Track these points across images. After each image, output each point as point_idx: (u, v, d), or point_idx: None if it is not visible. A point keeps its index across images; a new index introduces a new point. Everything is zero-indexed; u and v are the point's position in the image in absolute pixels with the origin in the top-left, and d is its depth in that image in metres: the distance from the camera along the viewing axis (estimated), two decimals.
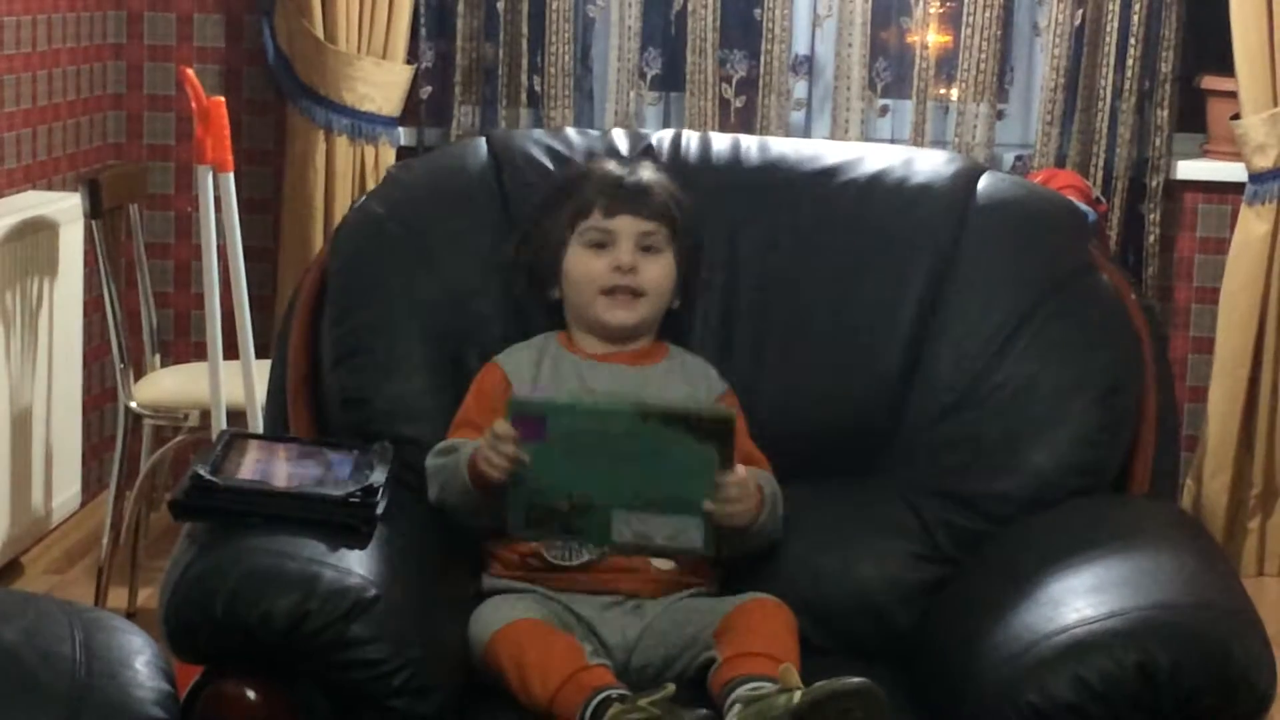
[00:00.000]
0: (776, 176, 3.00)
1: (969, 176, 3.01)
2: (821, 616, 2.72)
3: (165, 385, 4.39)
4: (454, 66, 5.01)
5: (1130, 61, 4.90)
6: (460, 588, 2.68)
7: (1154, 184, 4.97)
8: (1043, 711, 2.32)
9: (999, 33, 4.94)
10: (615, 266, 2.76)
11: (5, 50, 4.52)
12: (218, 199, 4.06)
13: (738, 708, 2.43)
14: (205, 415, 4.19)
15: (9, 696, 2.10)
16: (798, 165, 3.02)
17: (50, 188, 4.77)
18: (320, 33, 4.92)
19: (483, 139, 3.08)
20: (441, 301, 2.88)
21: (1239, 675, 2.33)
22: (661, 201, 2.81)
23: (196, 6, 5.13)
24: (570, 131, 3.08)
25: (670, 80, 5.08)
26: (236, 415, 4.09)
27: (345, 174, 4.97)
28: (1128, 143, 4.93)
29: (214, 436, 2.78)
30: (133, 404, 4.28)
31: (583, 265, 2.79)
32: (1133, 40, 4.89)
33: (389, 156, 5.01)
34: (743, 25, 5.04)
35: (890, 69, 5.04)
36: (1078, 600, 2.44)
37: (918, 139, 4.95)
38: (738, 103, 5.05)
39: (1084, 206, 4.24)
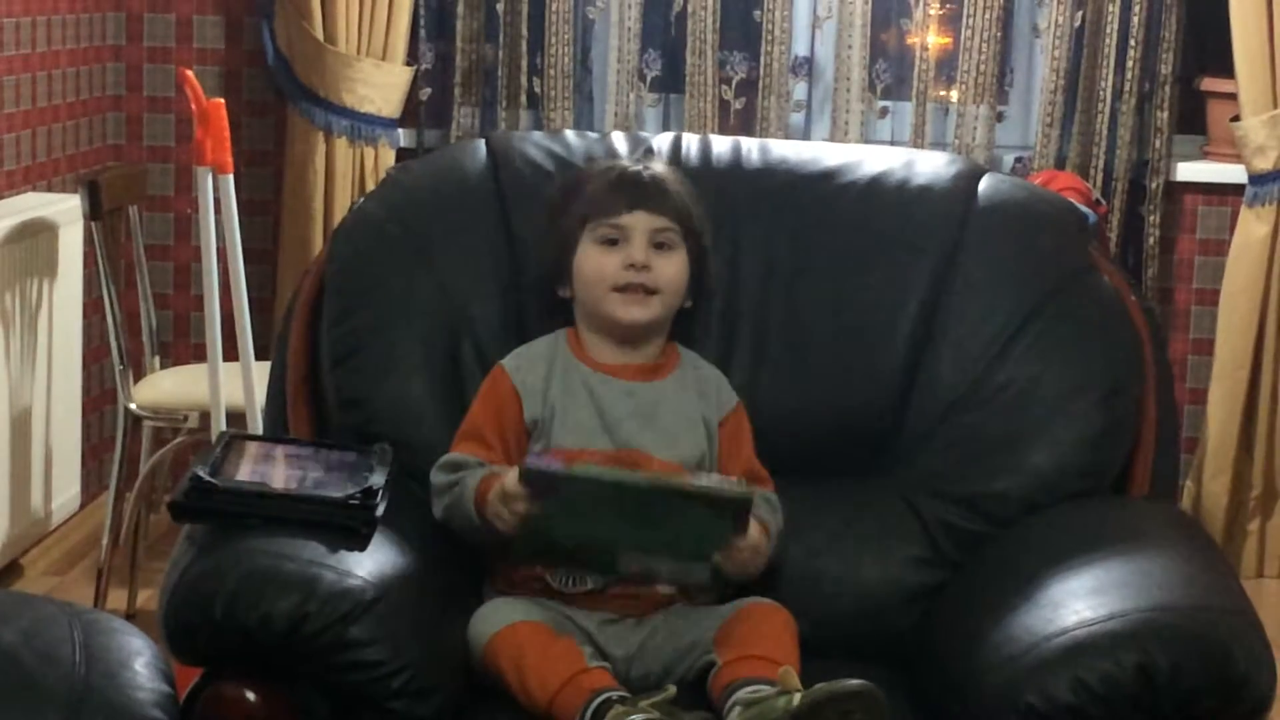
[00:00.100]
0: (777, 179, 3.00)
1: (970, 178, 3.01)
2: (822, 618, 2.72)
3: (165, 387, 4.39)
4: (454, 68, 5.01)
5: (1130, 63, 4.90)
6: (460, 589, 2.68)
7: (1154, 186, 4.97)
8: (1042, 713, 2.32)
9: (999, 34, 4.95)
10: (629, 264, 2.71)
11: (5, 51, 4.52)
12: (217, 200, 4.06)
13: (737, 710, 2.43)
14: (205, 417, 4.19)
15: (8, 697, 2.10)
16: (798, 167, 3.02)
17: (50, 189, 4.77)
18: (320, 34, 4.92)
19: (481, 141, 3.08)
20: (440, 303, 2.88)
21: (1239, 677, 2.32)
22: (675, 197, 2.77)
23: (196, 8, 5.13)
24: (569, 134, 3.08)
25: (670, 82, 5.08)
26: (236, 417, 4.09)
27: (345, 175, 4.97)
28: (1128, 144, 4.93)
29: (213, 438, 2.78)
30: (132, 405, 4.28)
31: (595, 262, 2.73)
32: (1132, 42, 4.89)
33: (389, 158, 5.01)
34: (742, 27, 5.04)
35: (890, 71, 5.04)
36: (1078, 602, 2.44)
37: (917, 141, 4.95)
38: (737, 104, 5.06)
39: (1084, 208, 4.24)
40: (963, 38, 4.95)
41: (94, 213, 4.21)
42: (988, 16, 4.92)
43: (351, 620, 2.37)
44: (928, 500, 2.82)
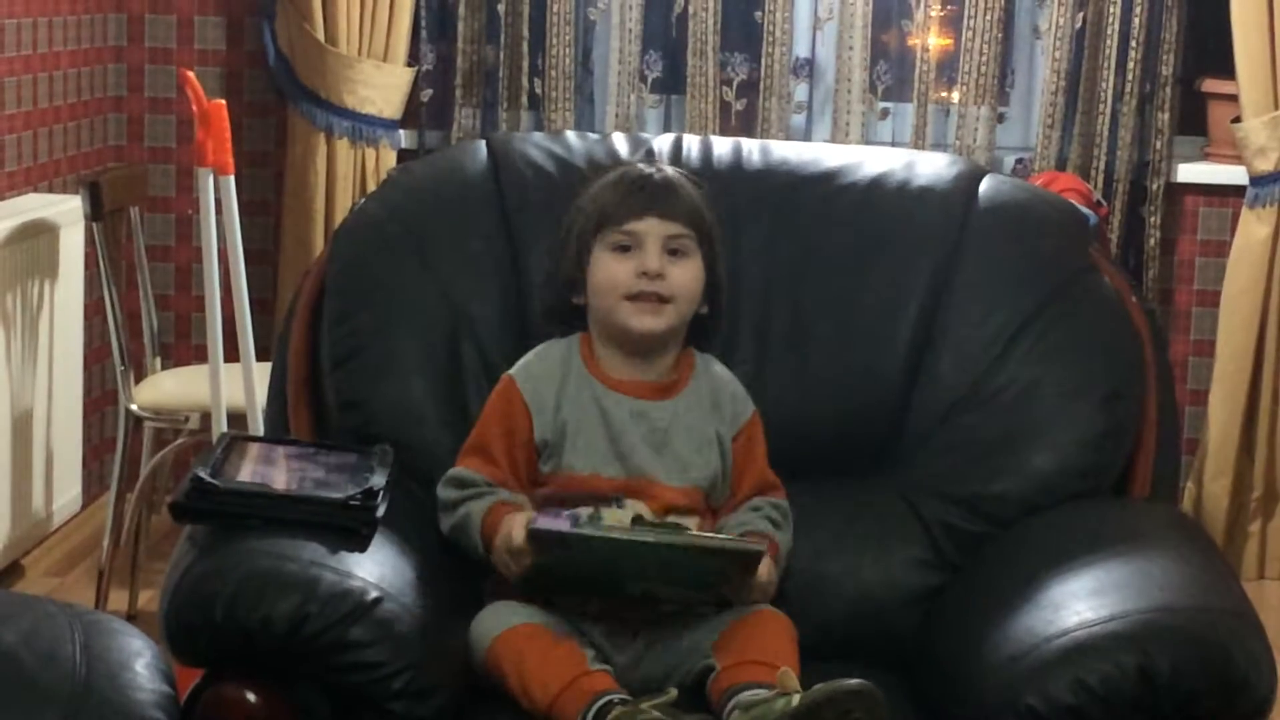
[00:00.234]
0: (778, 180, 3.00)
1: (971, 179, 3.01)
2: (822, 619, 2.72)
3: (166, 388, 4.39)
4: (454, 69, 5.01)
5: (1131, 64, 4.90)
6: (461, 590, 2.68)
7: (1155, 187, 4.97)
8: (1043, 714, 2.32)
9: (1000, 36, 4.95)
10: (641, 271, 2.66)
11: (6, 53, 4.52)
12: (218, 201, 4.06)
13: (737, 713, 2.43)
14: (206, 418, 4.19)
15: (9, 698, 2.11)
16: (799, 169, 3.02)
17: (51, 190, 4.78)
18: (321, 35, 4.92)
19: (482, 142, 3.08)
20: (440, 304, 2.88)
21: (1239, 678, 2.32)
22: (688, 201, 2.71)
23: (197, 9, 5.13)
24: (570, 135, 3.08)
25: (671, 83, 5.08)
26: (237, 418, 4.09)
27: (346, 177, 4.97)
28: (1128, 146, 4.93)
29: (214, 439, 2.78)
30: (133, 406, 4.28)
31: (607, 270, 2.68)
32: (1133, 43, 4.89)
33: (389, 159, 5.01)
34: (743, 28, 5.04)
35: (891, 72, 5.05)
36: (1078, 603, 2.44)
37: (918, 142, 4.95)
38: (738, 106, 5.06)
39: (1085, 209, 4.24)
40: (964, 39, 4.95)
41: (95, 214, 4.21)
42: (989, 18, 4.92)
43: (352, 621, 2.37)
44: (928, 501, 2.82)
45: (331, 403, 2.87)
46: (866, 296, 2.91)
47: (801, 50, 5.06)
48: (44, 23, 4.71)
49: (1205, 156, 5.11)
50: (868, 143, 4.98)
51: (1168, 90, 4.94)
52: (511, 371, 2.74)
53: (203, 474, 2.51)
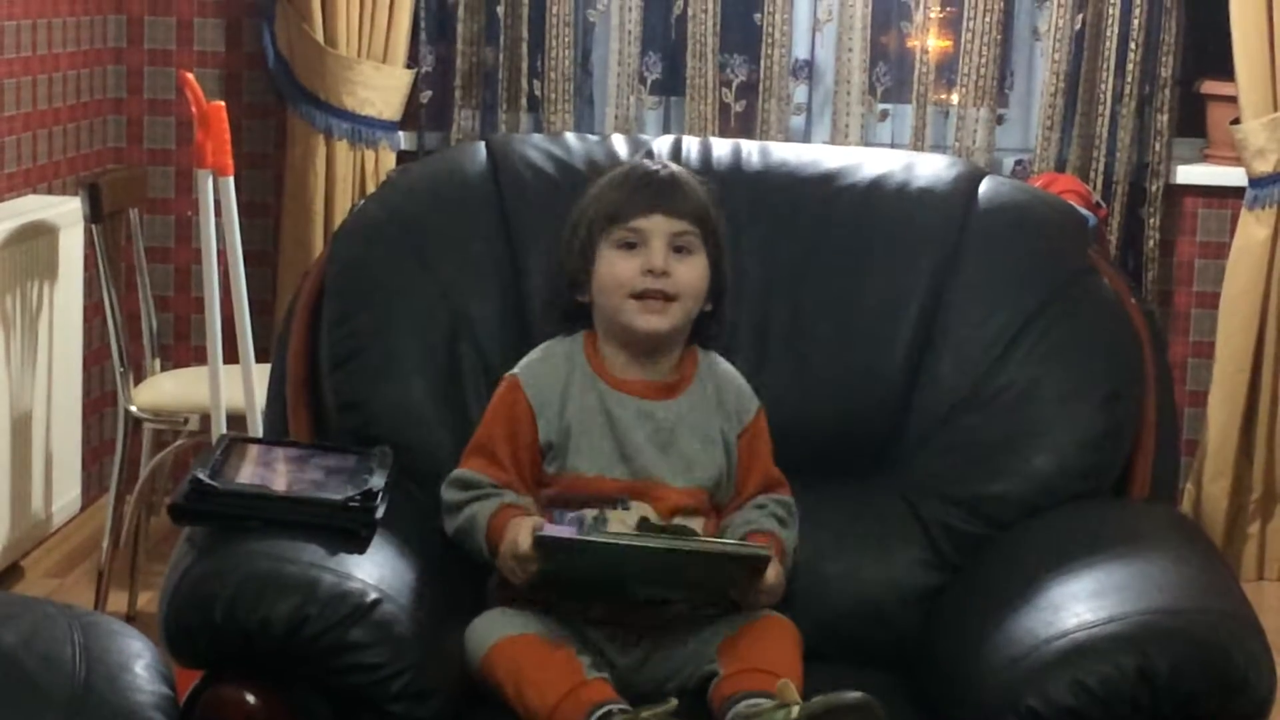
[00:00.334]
0: (777, 182, 3.00)
1: (970, 181, 3.01)
2: (822, 620, 2.71)
3: (165, 389, 4.39)
4: (454, 71, 5.01)
5: (1130, 66, 4.90)
6: (461, 592, 2.68)
7: (1154, 188, 4.97)
8: (1043, 715, 2.32)
9: (999, 37, 4.95)
10: (647, 270, 2.64)
11: (5, 54, 4.52)
12: (218, 203, 4.06)
13: None
14: (205, 419, 4.19)
15: (9, 700, 2.10)
16: (799, 170, 3.02)
17: (50, 192, 4.78)
18: (320, 37, 4.92)
19: (481, 143, 3.08)
20: (441, 305, 2.88)
21: (1239, 679, 2.33)
22: (694, 198, 2.69)
23: (196, 11, 5.13)
24: (569, 136, 3.08)
25: (670, 85, 5.08)
26: (236, 419, 4.09)
27: (345, 178, 4.97)
28: (1128, 147, 4.93)
29: (214, 440, 2.78)
30: (133, 408, 4.28)
31: (612, 267, 2.66)
32: (1133, 45, 4.89)
33: (389, 161, 5.01)
34: (743, 30, 5.04)
35: (890, 74, 5.05)
36: (1078, 604, 2.44)
37: (918, 144, 4.95)
38: (738, 107, 5.06)
39: (1084, 211, 4.24)
40: (963, 41, 4.95)
41: (94, 215, 4.21)
42: (988, 19, 4.93)
43: (351, 623, 2.37)
44: (928, 502, 2.82)
45: (331, 404, 2.87)
46: (866, 298, 2.91)
47: (801, 52, 5.06)
48: (43, 24, 4.71)
49: (1204, 158, 5.11)
50: (867, 144, 4.98)
51: (1167, 92, 4.94)
52: (515, 371, 2.72)
53: (202, 475, 2.51)
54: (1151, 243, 4.99)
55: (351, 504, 2.51)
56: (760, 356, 2.89)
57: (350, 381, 2.85)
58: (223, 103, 4.04)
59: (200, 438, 4.24)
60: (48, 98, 4.76)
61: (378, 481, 2.57)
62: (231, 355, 4.07)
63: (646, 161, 2.81)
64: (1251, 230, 4.88)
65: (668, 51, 5.06)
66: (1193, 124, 5.10)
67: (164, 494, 4.55)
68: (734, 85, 5.06)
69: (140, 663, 2.25)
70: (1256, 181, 4.86)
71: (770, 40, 4.98)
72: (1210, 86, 5.05)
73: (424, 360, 2.85)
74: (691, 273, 2.67)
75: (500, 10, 4.97)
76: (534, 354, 2.74)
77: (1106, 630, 2.37)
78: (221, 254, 4.11)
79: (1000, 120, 5.05)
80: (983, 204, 2.97)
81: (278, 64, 5.01)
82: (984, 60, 4.94)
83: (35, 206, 4.50)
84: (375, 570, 2.46)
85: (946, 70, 5.05)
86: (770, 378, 2.88)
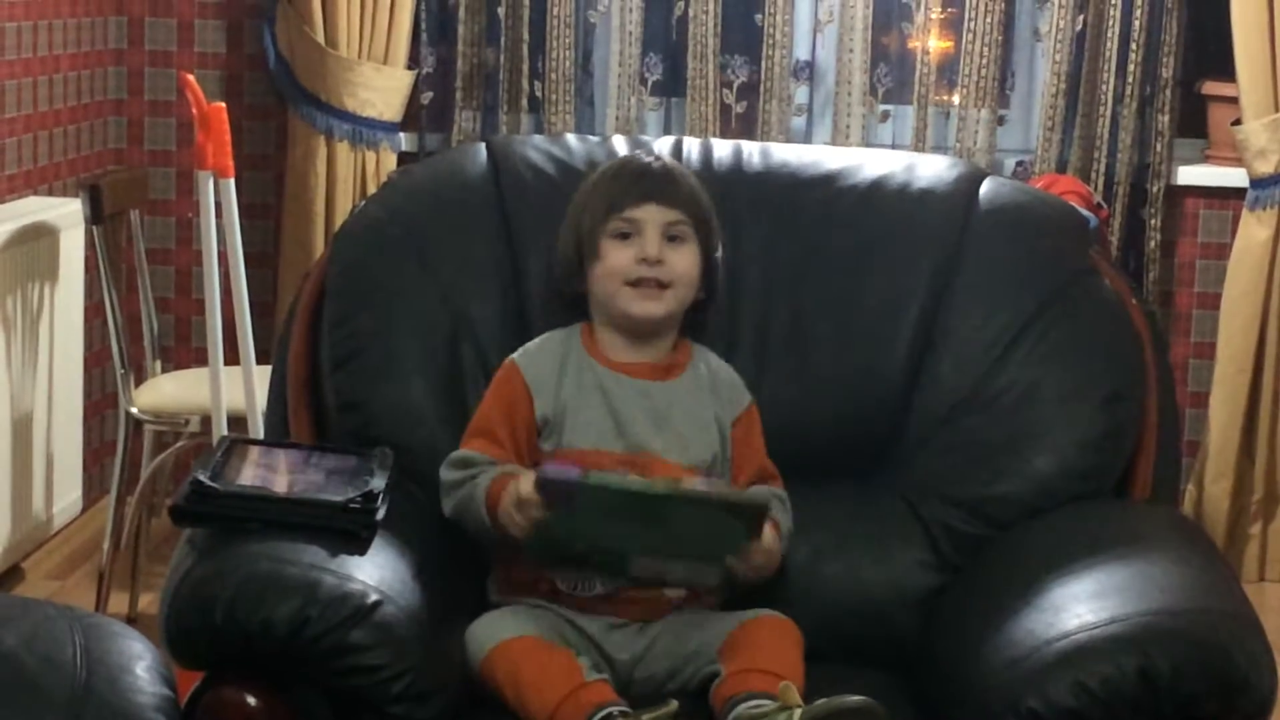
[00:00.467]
0: (778, 182, 3.01)
1: (971, 182, 3.01)
2: (823, 621, 2.71)
3: (166, 391, 4.39)
4: (455, 72, 5.01)
5: (1131, 67, 4.90)
6: (461, 593, 2.68)
7: (1155, 189, 4.97)
8: (1043, 717, 2.31)
9: (1000, 38, 4.95)
10: (641, 258, 2.70)
11: (6, 56, 4.52)
12: (218, 204, 4.06)
13: None
14: (206, 421, 4.19)
15: (10, 701, 2.10)
16: (799, 171, 3.02)
17: (51, 193, 4.78)
18: (321, 38, 4.92)
19: (482, 144, 3.08)
20: (441, 305, 2.88)
21: (1240, 680, 2.32)
22: (686, 188, 2.75)
23: (197, 12, 5.13)
24: (570, 137, 3.08)
25: (671, 86, 5.08)
26: (237, 421, 4.09)
27: (346, 179, 4.97)
28: (1129, 148, 4.93)
29: (215, 442, 2.78)
30: (134, 409, 4.28)
31: (607, 257, 2.71)
32: (1134, 45, 4.89)
33: (390, 162, 5.01)
34: (744, 31, 5.04)
35: (891, 74, 5.05)
36: (1079, 605, 2.44)
37: (919, 145, 4.95)
38: (739, 108, 5.06)
39: (1085, 212, 4.24)
40: (964, 42, 4.95)
41: (95, 217, 4.21)
42: (989, 20, 4.92)
43: (352, 624, 2.37)
44: (929, 503, 2.82)
45: (331, 405, 2.87)
46: (867, 298, 2.91)
47: (802, 53, 5.06)
48: (44, 26, 4.71)
49: (1205, 159, 5.11)
50: (868, 145, 4.98)
51: (1168, 92, 4.94)
52: (513, 356, 2.76)
53: (203, 477, 2.51)
54: (1153, 243, 4.99)
55: (352, 505, 2.51)
56: (761, 356, 2.89)
57: (351, 382, 2.85)
58: (223, 104, 4.04)
59: (201, 439, 4.24)
60: (48, 99, 4.76)
61: (378, 483, 2.57)
62: (232, 357, 4.07)
63: (640, 154, 2.85)
64: (1253, 231, 4.88)
65: (669, 52, 5.06)
66: (1194, 125, 5.10)
67: (165, 495, 4.55)
68: (735, 86, 5.06)
69: (141, 664, 2.25)
70: (1257, 182, 4.86)
71: (771, 41, 4.98)
72: (1211, 87, 5.05)
73: (425, 361, 2.85)
74: (684, 260, 2.73)
75: (501, 11, 4.97)
76: (531, 343, 2.79)
77: (1108, 631, 2.37)
78: (222, 255, 4.11)
79: (1001, 121, 5.05)
80: (983, 205, 2.97)
81: (278, 65, 5.01)
82: (985, 61, 4.94)
83: (36, 208, 4.50)
84: (376, 572, 2.46)
85: (947, 71, 5.05)
86: (771, 378, 2.88)
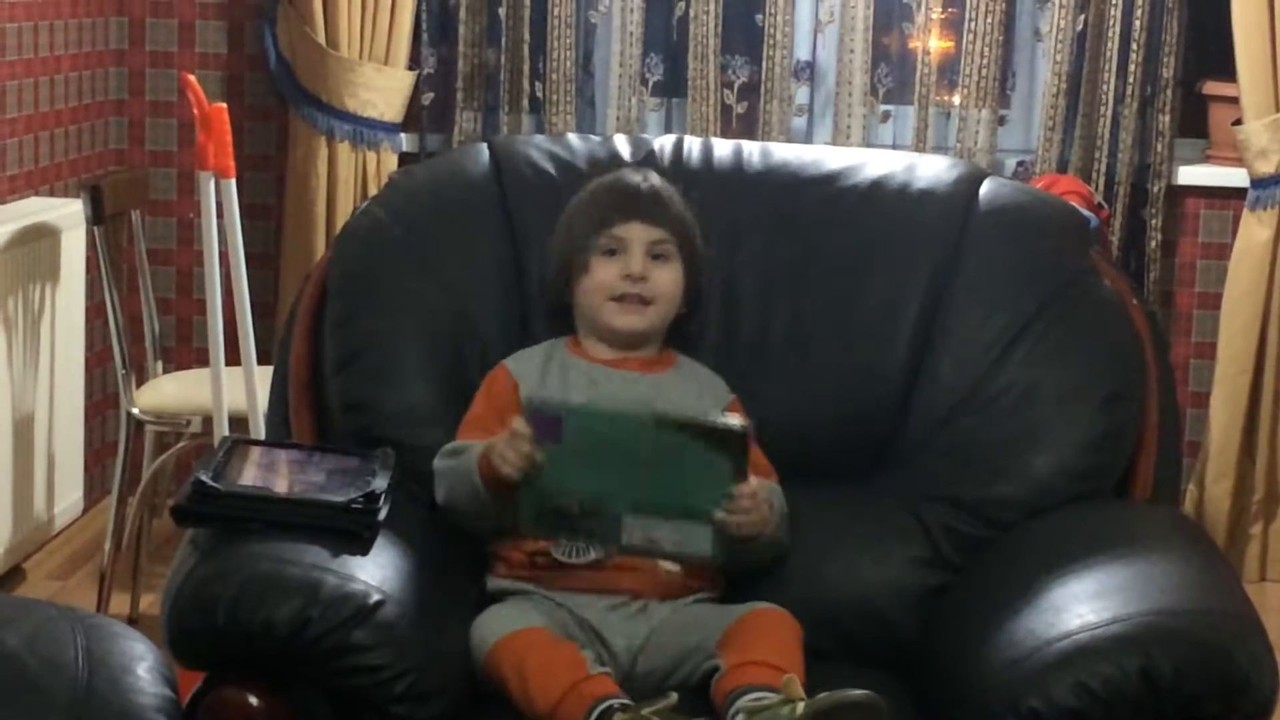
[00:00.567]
0: (778, 182, 3.01)
1: (971, 182, 3.01)
2: (823, 620, 2.71)
3: (167, 391, 4.39)
4: (456, 72, 5.01)
5: (1132, 67, 4.90)
6: (463, 593, 2.68)
7: (1156, 189, 4.97)
8: (1044, 717, 2.32)
9: (1001, 38, 4.94)
10: (625, 274, 2.78)
11: (7, 56, 4.52)
12: (219, 205, 4.06)
13: (740, 718, 2.43)
14: (207, 421, 4.19)
15: (12, 702, 2.11)
16: (800, 171, 3.02)
17: (52, 194, 4.78)
18: (322, 39, 4.92)
19: (484, 144, 3.08)
20: (444, 306, 2.88)
21: (1241, 680, 2.32)
22: (672, 209, 2.83)
23: (198, 13, 5.13)
24: (572, 137, 3.08)
25: (672, 86, 5.08)
26: (239, 421, 4.09)
27: (347, 180, 4.97)
28: (1129, 148, 4.93)
29: (216, 442, 2.78)
30: (135, 410, 4.28)
31: (593, 272, 2.80)
32: (1134, 45, 4.89)
33: (391, 162, 5.01)
34: (744, 31, 5.04)
35: (892, 75, 5.04)
36: (1080, 605, 2.44)
37: (919, 145, 4.95)
38: (739, 108, 5.06)
39: (1086, 212, 4.24)
40: (965, 42, 4.95)
41: (96, 217, 4.21)
42: (990, 20, 4.92)
43: (354, 625, 2.38)
44: (929, 504, 2.82)
45: (334, 405, 2.87)
46: (867, 299, 2.91)
47: (802, 53, 5.06)
48: (45, 26, 4.71)
49: (1206, 159, 5.11)
50: (868, 145, 4.97)
51: (1169, 93, 4.94)
52: (502, 361, 2.82)
53: (204, 477, 2.51)
54: (1153, 244, 4.99)
55: (354, 506, 2.51)
56: (761, 357, 2.90)
57: (353, 383, 2.85)
58: (224, 104, 4.04)
59: (202, 440, 4.24)
60: (49, 100, 4.76)
61: (380, 483, 2.58)
62: (233, 357, 4.07)
63: (629, 174, 2.89)
64: (1253, 231, 4.88)
65: (669, 53, 5.06)
66: (1194, 125, 5.10)
67: (166, 496, 4.56)
68: (736, 86, 5.06)
69: (143, 665, 2.25)
70: (1258, 182, 4.86)
71: (772, 41, 4.98)
72: (1212, 87, 5.04)
73: (427, 361, 2.85)
74: (667, 278, 2.80)
75: (502, 12, 4.97)
76: (519, 351, 2.84)
77: (1109, 631, 2.37)
78: (223, 256, 4.11)
79: (1002, 121, 5.05)
80: (983, 205, 2.97)
81: (279, 66, 5.01)
82: (986, 61, 4.93)
83: (37, 209, 4.50)
84: (378, 572, 2.46)
85: (948, 71, 5.05)
86: (771, 378, 2.88)
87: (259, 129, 5.14)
